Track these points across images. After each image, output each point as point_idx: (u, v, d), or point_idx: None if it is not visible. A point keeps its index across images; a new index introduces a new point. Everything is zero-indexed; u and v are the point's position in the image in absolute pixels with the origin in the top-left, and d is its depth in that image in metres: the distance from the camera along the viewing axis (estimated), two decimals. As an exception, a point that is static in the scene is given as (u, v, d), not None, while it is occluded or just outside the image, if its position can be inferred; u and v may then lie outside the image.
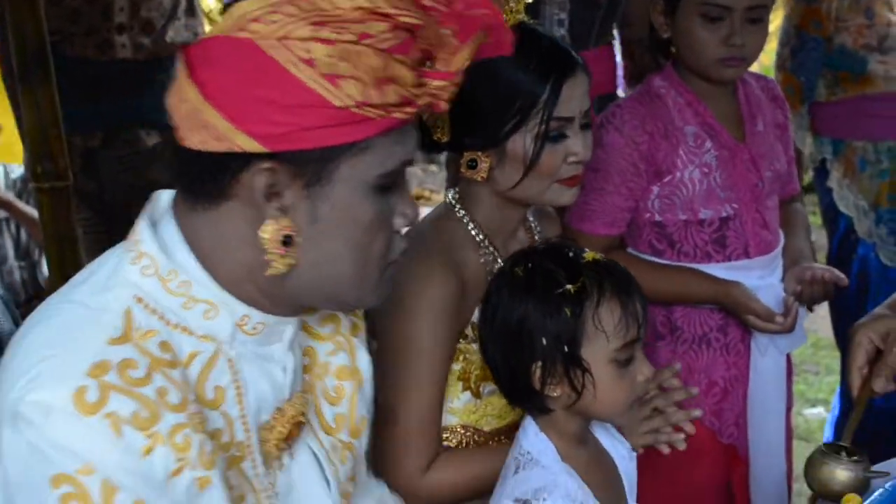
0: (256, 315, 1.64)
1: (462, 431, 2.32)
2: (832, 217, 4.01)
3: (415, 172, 8.59)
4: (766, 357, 2.85)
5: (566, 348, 1.95)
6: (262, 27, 1.51)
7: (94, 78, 3.90)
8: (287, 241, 1.56)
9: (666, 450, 2.26)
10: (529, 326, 1.94)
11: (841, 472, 2.10)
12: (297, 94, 1.50)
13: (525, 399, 2.04)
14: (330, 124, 1.52)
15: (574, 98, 2.24)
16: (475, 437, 2.33)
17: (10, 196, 4.50)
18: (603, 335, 1.96)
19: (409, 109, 1.58)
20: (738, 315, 2.78)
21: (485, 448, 2.30)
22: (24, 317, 3.09)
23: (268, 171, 1.54)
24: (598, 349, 1.97)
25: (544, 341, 1.95)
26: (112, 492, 1.46)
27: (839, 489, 2.09)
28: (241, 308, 1.62)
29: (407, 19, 1.54)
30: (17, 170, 4.63)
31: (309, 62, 1.50)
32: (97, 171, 3.96)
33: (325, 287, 1.64)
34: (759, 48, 2.82)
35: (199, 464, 1.53)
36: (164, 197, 1.69)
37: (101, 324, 1.54)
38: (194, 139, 1.55)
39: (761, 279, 2.83)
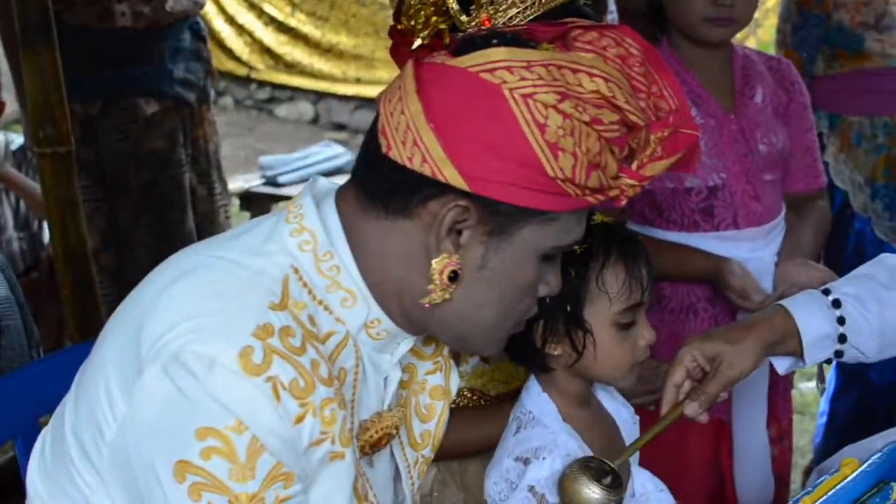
0: (386, 322, 1.68)
1: (469, 395, 2.34)
2: (828, 191, 4.01)
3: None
4: None
5: (568, 308, 1.96)
6: (512, 79, 1.55)
7: (93, 46, 3.91)
8: (453, 278, 1.61)
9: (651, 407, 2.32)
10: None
11: (589, 494, 1.92)
12: (520, 151, 1.55)
13: (527, 356, 2.05)
14: (535, 188, 1.57)
15: None
16: (481, 401, 2.35)
17: (10, 168, 4.50)
18: (606, 297, 1.97)
19: (600, 196, 1.64)
20: (721, 289, 2.78)
21: (492, 407, 2.31)
22: (24, 288, 3.14)
23: (461, 209, 1.58)
24: (601, 311, 1.98)
25: (547, 299, 1.97)
26: (258, 452, 1.48)
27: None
28: (376, 310, 1.67)
29: (633, 118, 1.61)
30: (18, 139, 4.63)
31: (542, 127, 1.54)
32: (96, 139, 3.97)
33: (462, 328, 1.69)
34: (749, 10, 2.80)
35: (339, 439, 1.58)
36: (323, 182, 1.73)
37: (262, 287, 1.57)
38: (401, 152, 1.58)
39: (752, 251, 2.82)
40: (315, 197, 1.68)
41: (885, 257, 2.19)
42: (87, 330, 3.24)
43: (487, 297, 1.66)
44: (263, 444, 1.48)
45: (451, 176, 1.55)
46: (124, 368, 1.55)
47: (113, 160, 4.00)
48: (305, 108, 9.95)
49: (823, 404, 4.23)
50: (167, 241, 4.03)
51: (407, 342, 1.75)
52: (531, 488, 1.97)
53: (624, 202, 1.68)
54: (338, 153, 6.79)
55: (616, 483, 1.94)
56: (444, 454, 2.16)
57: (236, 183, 6.74)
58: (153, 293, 1.59)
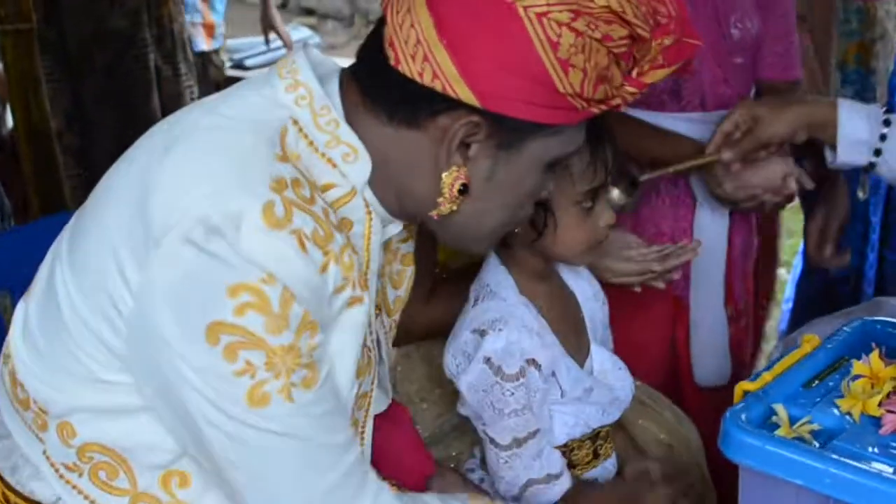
0: (379, 210, 1.70)
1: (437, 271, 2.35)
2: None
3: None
4: (705, 211, 2.84)
5: None
6: None
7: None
8: (463, 190, 1.64)
9: (637, 288, 2.39)
10: None
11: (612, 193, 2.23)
12: (532, 68, 1.57)
13: None
14: (544, 104, 1.60)
15: None
16: (443, 274, 2.35)
17: None
18: (569, 177, 1.97)
19: (603, 106, 1.67)
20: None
21: None
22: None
23: (472, 124, 1.60)
24: (564, 192, 1.98)
25: None
26: (289, 301, 1.50)
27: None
28: (371, 198, 1.68)
29: (641, 31, 1.62)
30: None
31: (554, 45, 1.56)
32: (59, 18, 3.92)
33: (463, 234, 1.74)
34: None
35: (358, 284, 1.62)
36: (318, 55, 1.72)
37: (265, 139, 1.58)
38: (411, 67, 1.59)
39: None
40: (313, 64, 1.67)
41: None
42: (51, 208, 3.22)
43: (492, 206, 1.69)
44: (294, 293, 1.50)
45: (463, 92, 1.57)
46: (134, 240, 1.53)
47: (76, 40, 3.96)
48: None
49: (789, 290, 4.26)
50: (132, 122, 4.00)
51: (395, 226, 1.77)
52: (487, 359, 1.99)
53: (623, 107, 1.71)
54: (305, 37, 6.74)
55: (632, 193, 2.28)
56: (433, 331, 2.17)
57: (204, 66, 6.69)
58: (152, 160, 1.58)
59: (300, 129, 1.62)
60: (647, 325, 2.82)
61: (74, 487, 1.66)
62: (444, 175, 1.63)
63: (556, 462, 2.07)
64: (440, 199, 1.65)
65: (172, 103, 4.23)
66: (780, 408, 1.78)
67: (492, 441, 2.03)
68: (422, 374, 2.38)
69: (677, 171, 2.52)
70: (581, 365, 2.10)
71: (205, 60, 4.94)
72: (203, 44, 4.86)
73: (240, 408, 1.51)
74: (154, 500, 1.65)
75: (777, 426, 1.76)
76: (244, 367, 1.49)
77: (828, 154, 2.36)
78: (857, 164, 2.32)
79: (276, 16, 5.26)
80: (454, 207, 1.66)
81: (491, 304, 2.04)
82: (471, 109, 1.59)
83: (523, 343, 1.99)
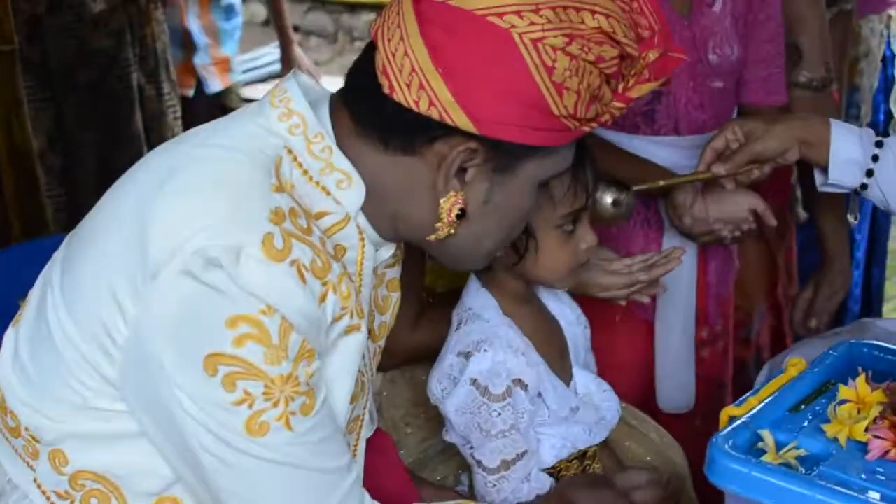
0: (370, 233, 1.70)
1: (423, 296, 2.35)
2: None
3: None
4: (674, 241, 2.80)
5: None
6: (522, 24, 1.56)
7: (37, -56, 3.83)
8: (461, 215, 1.65)
9: (623, 302, 2.38)
10: None
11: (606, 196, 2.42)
12: (528, 93, 1.58)
13: None
14: (540, 127, 1.61)
15: None
16: (429, 298, 2.36)
17: None
18: (550, 201, 1.97)
19: (594, 124, 1.68)
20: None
21: None
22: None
23: (469, 150, 1.60)
24: (545, 215, 1.98)
25: None
26: (288, 331, 1.50)
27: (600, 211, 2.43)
28: (364, 223, 1.69)
29: (630, 50, 1.63)
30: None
31: (549, 70, 1.57)
32: (42, 38, 3.90)
33: (461, 255, 1.75)
34: None
35: (355, 312, 1.63)
36: (307, 80, 1.72)
37: (262, 170, 1.58)
38: (407, 95, 1.59)
39: (691, 160, 2.73)
40: (302, 89, 1.67)
41: None
42: (32, 231, 3.20)
43: (489, 228, 1.70)
44: (292, 323, 1.50)
45: (460, 119, 1.57)
46: (131, 272, 1.53)
47: (59, 59, 3.94)
48: (257, 10, 9.79)
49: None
50: (114, 142, 3.99)
51: (387, 249, 1.77)
52: (474, 381, 1.99)
53: (610, 121, 1.71)
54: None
55: (622, 191, 2.39)
56: (419, 356, 2.16)
57: (188, 85, 6.67)
58: (148, 191, 1.58)
59: (294, 158, 1.62)
60: (620, 348, 2.82)
61: None
62: (441, 201, 1.64)
63: (545, 484, 2.06)
64: (438, 225, 1.66)
65: (155, 123, 4.22)
66: (766, 434, 1.77)
67: (480, 464, 2.02)
68: (407, 399, 2.37)
69: (668, 185, 2.52)
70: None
71: (224, 100, 4.81)
72: (218, 84, 4.77)
73: (239, 437, 1.51)
74: None
75: (763, 452, 1.76)
76: (243, 396, 1.49)
77: (818, 177, 2.35)
78: (847, 185, 2.30)
79: (292, 38, 5.12)
80: (451, 231, 1.67)
81: (474, 326, 2.04)
82: (468, 136, 1.59)
83: (509, 363, 1.99)
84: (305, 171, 1.62)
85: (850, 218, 2.55)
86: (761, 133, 2.32)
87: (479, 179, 1.64)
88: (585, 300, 2.33)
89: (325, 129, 1.64)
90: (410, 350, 2.22)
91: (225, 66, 4.85)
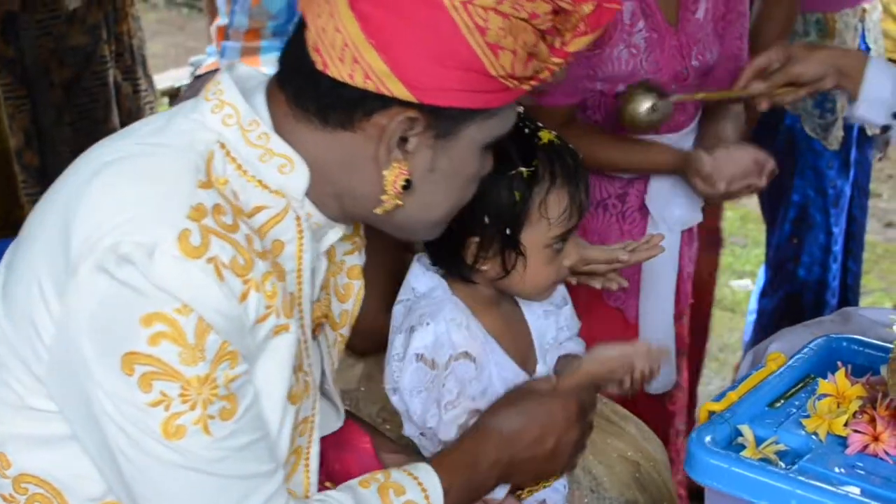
0: (317, 216, 1.68)
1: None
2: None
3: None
4: (659, 231, 2.86)
5: (508, 231, 1.95)
6: None
7: (12, -60, 3.81)
8: (406, 186, 1.62)
9: (598, 285, 2.36)
10: (474, 201, 1.92)
11: (644, 99, 2.57)
12: (463, 56, 1.55)
13: (450, 266, 2.04)
14: (479, 90, 1.58)
15: None
16: None
17: None
18: (546, 222, 1.96)
19: (534, 82, 1.64)
20: (688, 178, 2.78)
21: None
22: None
23: (409, 120, 1.58)
24: (538, 234, 1.97)
25: (486, 219, 1.94)
26: (205, 331, 1.47)
27: (635, 115, 2.59)
28: (310, 206, 1.66)
29: (563, 4, 1.60)
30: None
31: (482, 30, 1.54)
32: (17, 35, 3.88)
33: (410, 225, 1.72)
34: None
35: (282, 312, 1.58)
36: (245, 70, 1.70)
37: (189, 166, 1.55)
38: (340, 70, 1.56)
39: (673, 143, 2.82)
40: (237, 81, 1.65)
41: None
42: (10, 228, 3.18)
43: (437, 195, 1.67)
44: (210, 323, 1.47)
45: (397, 89, 1.55)
46: (55, 269, 1.51)
47: (35, 57, 3.92)
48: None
49: (753, 302, 4.27)
50: (92, 139, 3.89)
51: (336, 231, 1.74)
52: (420, 356, 1.96)
53: (551, 79, 1.68)
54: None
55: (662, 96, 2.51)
56: None
57: (166, 82, 6.64)
58: (76, 188, 1.55)
59: (227, 153, 1.59)
60: (595, 333, 2.84)
61: None
62: (385, 173, 1.61)
63: None
64: (384, 197, 1.63)
65: (132, 119, 4.19)
66: (745, 428, 1.78)
67: (442, 443, 1.98)
68: (383, 396, 2.34)
69: (705, 98, 2.72)
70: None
71: None
72: None
73: (155, 440, 1.49)
74: None
75: (743, 447, 1.76)
76: (159, 397, 1.47)
77: (848, 109, 2.47)
78: (873, 122, 2.43)
79: None
80: (399, 202, 1.64)
81: (420, 303, 2.02)
82: (406, 105, 1.57)
83: (452, 335, 1.97)
84: (239, 166, 1.59)
85: (875, 153, 2.65)
86: (802, 56, 2.42)
87: (422, 148, 1.61)
88: None
89: (259, 115, 1.62)
90: (387, 331, 2.21)
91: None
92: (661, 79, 2.76)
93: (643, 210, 2.87)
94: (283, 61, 1.66)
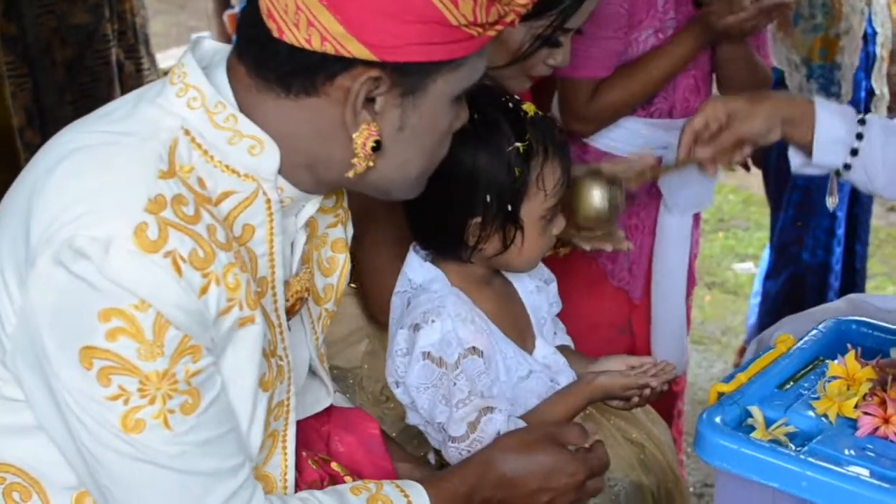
0: (290, 189, 1.65)
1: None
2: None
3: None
4: (672, 214, 2.87)
5: (509, 206, 1.95)
6: None
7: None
8: (376, 147, 1.59)
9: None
10: (476, 181, 1.91)
11: (592, 194, 2.32)
12: (419, 9, 1.51)
13: (448, 251, 2.03)
14: (441, 41, 1.54)
15: (585, 12, 2.26)
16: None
17: None
18: (542, 194, 1.97)
19: (499, 27, 1.60)
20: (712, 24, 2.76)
21: None
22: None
23: (372, 80, 1.55)
24: (535, 207, 1.98)
25: (488, 198, 1.93)
26: (164, 327, 1.45)
27: (587, 208, 2.33)
28: (282, 181, 1.63)
29: None
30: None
31: None
32: (19, 13, 3.86)
33: (386, 185, 1.68)
34: None
35: (246, 304, 1.55)
36: (210, 46, 1.67)
37: (150, 156, 1.52)
38: (297, 35, 1.52)
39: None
40: (201, 60, 1.62)
41: None
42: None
43: (410, 153, 1.64)
44: (168, 318, 1.45)
45: (356, 49, 1.52)
46: (17, 259, 1.50)
47: (36, 35, 3.89)
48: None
49: (757, 284, 4.28)
50: None
51: (313, 203, 1.72)
52: (427, 354, 1.96)
53: (517, 23, 1.63)
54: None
55: (613, 186, 2.22)
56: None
57: (168, 60, 6.63)
58: (39, 177, 1.53)
59: (192, 140, 1.56)
60: (595, 306, 2.86)
61: None
62: (354, 136, 1.58)
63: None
64: (355, 160, 1.59)
65: (135, 98, 4.18)
66: (755, 410, 1.77)
67: (451, 438, 1.99)
68: (387, 373, 2.35)
69: (654, 176, 2.48)
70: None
71: None
72: None
73: (114, 434, 1.47)
74: None
75: (753, 428, 1.75)
76: (118, 391, 1.45)
77: (795, 159, 2.28)
78: (831, 165, 2.22)
79: None
80: (370, 164, 1.61)
81: (421, 298, 2.02)
82: (368, 64, 1.53)
83: (459, 332, 1.96)
84: (205, 152, 1.56)
85: (830, 201, 2.49)
86: (746, 113, 2.19)
87: (390, 107, 1.58)
88: (555, 262, 2.33)
89: (223, 96, 1.59)
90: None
91: None
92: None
93: (655, 194, 2.88)
94: (239, 32, 1.62)
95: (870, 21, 3.87)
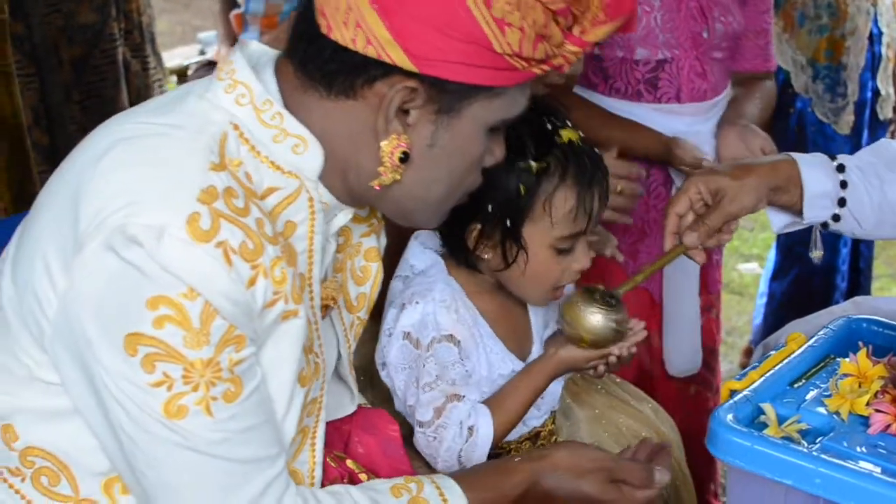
0: (326, 195, 1.66)
1: None
2: (771, 72, 4.02)
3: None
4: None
5: (508, 222, 1.93)
6: None
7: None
8: (404, 159, 1.59)
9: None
10: (481, 188, 1.90)
11: (592, 315, 1.99)
12: (467, 28, 1.51)
13: (454, 249, 2.03)
14: (482, 65, 1.54)
15: None
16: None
17: None
18: (549, 220, 1.95)
19: (545, 66, 1.61)
20: (672, 164, 2.78)
21: None
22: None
23: (408, 90, 1.55)
24: (540, 232, 1.96)
25: (490, 208, 1.93)
26: (211, 316, 1.46)
27: (586, 330, 2.00)
28: (321, 187, 1.64)
29: None
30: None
31: (488, 3, 1.51)
32: (26, 12, 3.86)
33: (409, 205, 1.68)
34: None
35: (291, 297, 1.56)
36: (257, 47, 1.68)
37: (201, 148, 1.53)
38: (344, 34, 1.54)
39: (691, 125, 2.82)
40: (249, 59, 1.63)
41: (885, 142, 2.19)
42: (22, 203, 3.18)
43: (437, 174, 1.64)
44: (216, 308, 1.46)
45: (398, 57, 1.52)
46: (63, 244, 1.50)
47: (43, 34, 3.89)
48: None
49: (763, 285, 4.28)
50: (100, 117, 3.88)
51: (345, 213, 1.72)
52: (406, 334, 1.97)
53: (567, 69, 1.65)
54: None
55: (616, 307, 1.98)
56: None
57: (174, 60, 6.64)
58: (87, 164, 1.54)
59: (241, 134, 1.58)
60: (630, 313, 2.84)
61: (18, 492, 1.62)
62: (383, 144, 1.58)
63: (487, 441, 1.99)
64: (381, 169, 1.60)
65: (141, 98, 4.17)
66: (768, 407, 1.78)
67: (419, 424, 1.98)
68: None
69: (646, 276, 2.12)
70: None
71: None
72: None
73: (156, 420, 1.48)
74: None
75: (765, 426, 1.76)
76: (161, 378, 1.46)
77: (777, 219, 2.15)
78: (820, 219, 2.10)
79: None
80: (397, 177, 1.61)
81: (416, 280, 2.03)
82: (407, 75, 1.54)
83: (439, 317, 1.97)
84: (252, 147, 1.58)
85: (816, 255, 2.40)
86: (734, 191, 2.02)
87: (423, 122, 1.58)
88: None
89: (271, 94, 1.60)
90: None
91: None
92: (678, 40, 2.77)
93: (667, 184, 2.87)
94: (294, 28, 1.63)
95: (875, 21, 3.88)
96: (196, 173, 1.49)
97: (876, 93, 3.95)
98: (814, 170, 2.05)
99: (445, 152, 1.62)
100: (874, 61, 3.94)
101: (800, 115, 3.94)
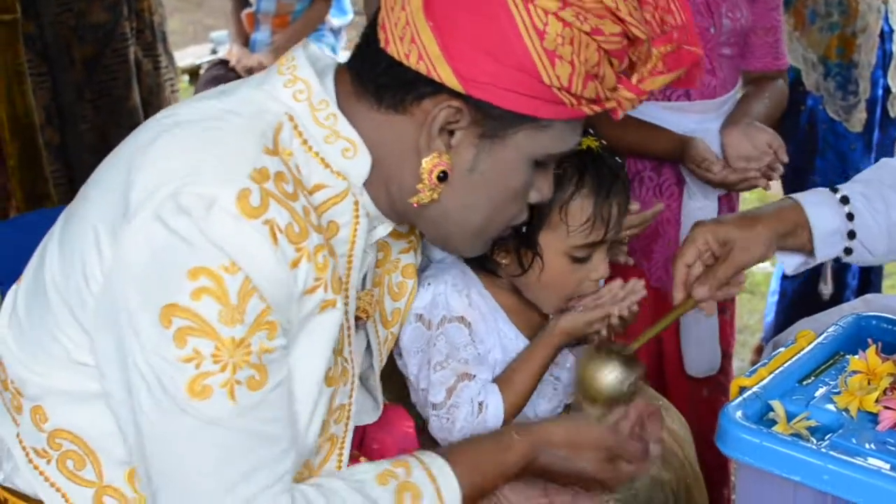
0: (369, 204, 1.67)
1: None
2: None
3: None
4: (695, 199, 2.86)
5: (523, 228, 1.93)
6: None
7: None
8: (442, 178, 1.60)
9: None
10: None
11: (608, 373, 1.94)
12: (517, 56, 1.53)
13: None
14: (529, 94, 1.56)
15: None
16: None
17: None
18: (564, 228, 1.95)
19: (596, 107, 1.62)
20: (685, 164, 2.79)
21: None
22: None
23: (453, 109, 1.57)
24: (556, 239, 1.96)
25: None
26: (249, 293, 1.47)
27: (601, 389, 1.95)
28: (365, 197, 1.66)
29: (635, 31, 1.58)
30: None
31: (540, 33, 1.53)
32: (38, 12, 3.88)
33: (447, 228, 1.69)
34: None
35: (331, 287, 1.57)
36: (317, 50, 1.71)
37: (256, 131, 1.55)
38: (399, 49, 1.57)
39: (700, 123, 2.82)
40: (310, 59, 1.66)
41: (887, 161, 2.17)
42: (34, 202, 3.19)
43: (476, 199, 1.65)
44: (255, 285, 1.46)
45: (446, 75, 1.54)
46: (113, 215, 1.52)
47: (55, 34, 3.91)
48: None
49: (774, 283, 4.27)
50: (112, 116, 3.97)
51: (385, 227, 1.74)
52: (419, 316, 1.98)
53: (621, 115, 1.66)
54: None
55: (632, 364, 1.94)
56: None
57: (186, 59, 6.66)
58: (142, 143, 1.56)
59: (295, 127, 1.60)
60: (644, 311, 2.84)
61: (42, 474, 1.64)
62: (424, 161, 1.60)
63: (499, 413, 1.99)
64: (419, 186, 1.61)
65: (153, 96, 4.20)
66: (777, 404, 1.78)
67: (432, 406, 1.98)
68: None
69: (660, 331, 2.05)
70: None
71: None
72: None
73: (176, 399, 1.47)
74: (119, 495, 1.62)
75: (774, 422, 1.76)
76: (191, 354, 1.46)
77: (788, 262, 2.11)
78: (832, 256, 2.07)
79: None
80: (435, 196, 1.63)
81: (431, 266, 2.04)
82: (454, 94, 1.56)
83: (450, 298, 1.98)
84: (305, 141, 1.60)
85: (825, 290, 2.33)
86: (743, 242, 1.97)
87: (466, 144, 1.60)
88: None
89: (329, 95, 1.63)
90: None
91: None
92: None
93: (679, 182, 2.87)
94: (361, 38, 1.66)
95: (886, 18, 3.88)
96: (251, 152, 1.52)
97: (887, 90, 3.95)
98: (819, 209, 2.03)
99: (485, 178, 1.63)
100: (885, 59, 3.93)
101: (811, 112, 3.93)
